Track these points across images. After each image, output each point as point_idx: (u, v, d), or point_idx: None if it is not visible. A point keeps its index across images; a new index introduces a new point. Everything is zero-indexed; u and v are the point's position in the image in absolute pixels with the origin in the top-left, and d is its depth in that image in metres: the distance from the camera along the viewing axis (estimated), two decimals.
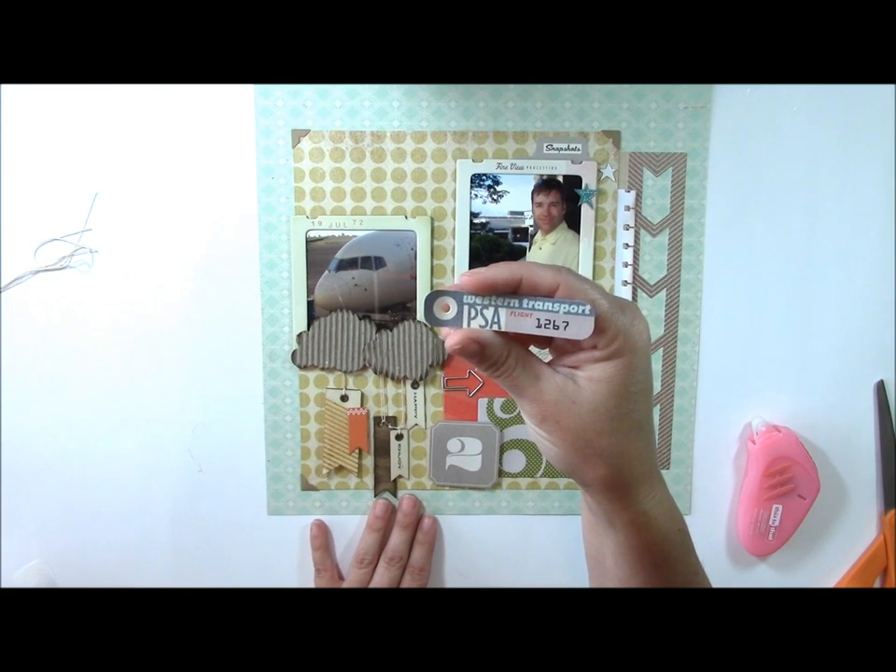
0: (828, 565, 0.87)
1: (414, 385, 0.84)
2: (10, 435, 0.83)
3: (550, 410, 0.50)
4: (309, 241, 0.80)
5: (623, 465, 0.51)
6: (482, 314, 0.52)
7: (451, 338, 0.50)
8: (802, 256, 0.83)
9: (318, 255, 0.81)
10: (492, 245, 0.81)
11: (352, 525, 0.86)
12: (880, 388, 0.85)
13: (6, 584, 0.83)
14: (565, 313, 0.50)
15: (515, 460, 0.86)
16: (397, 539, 0.84)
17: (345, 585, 0.82)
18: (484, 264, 0.78)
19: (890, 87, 0.81)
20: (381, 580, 0.82)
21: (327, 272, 0.81)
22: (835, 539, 0.86)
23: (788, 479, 0.83)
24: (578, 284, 0.50)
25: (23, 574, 0.83)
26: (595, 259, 0.82)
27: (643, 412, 0.52)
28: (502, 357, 0.51)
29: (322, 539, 0.85)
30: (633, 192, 0.81)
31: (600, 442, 0.50)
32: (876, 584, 0.88)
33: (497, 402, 0.84)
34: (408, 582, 0.83)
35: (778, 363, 0.84)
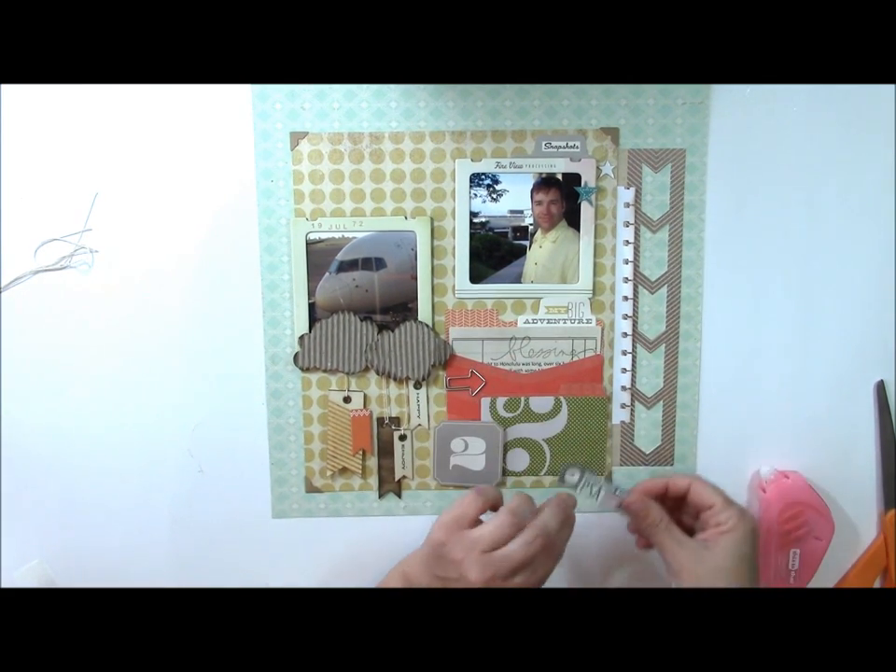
0: (828, 565, 0.86)
1: (417, 386, 0.84)
2: (10, 435, 0.83)
3: (684, 565, 0.74)
4: (309, 243, 0.80)
5: None
6: (591, 487, 0.80)
7: (633, 500, 0.78)
8: (802, 251, 0.83)
9: (319, 257, 0.81)
10: (492, 243, 0.81)
11: (355, 525, 0.86)
12: (880, 388, 0.85)
13: (6, 584, 0.83)
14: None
15: (519, 459, 0.86)
16: (550, 515, 0.74)
17: (481, 532, 0.71)
18: (485, 263, 0.79)
19: (890, 87, 0.80)
20: (517, 550, 0.70)
21: (327, 273, 0.81)
22: (835, 539, 0.85)
23: (802, 523, 0.83)
24: (702, 487, 0.78)
25: (23, 574, 0.83)
26: (595, 256, 0.82)
27: (746, 575, 0.73)
28: (658, 519, 0.76)
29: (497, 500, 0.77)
30: (632, 189, 0.81)
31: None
32: (876, 584, 0.88)
33: (500, 401, 0.84)
34: (539, 562, 0.72)
35: (779, 360, 0.84)
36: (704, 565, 0.73)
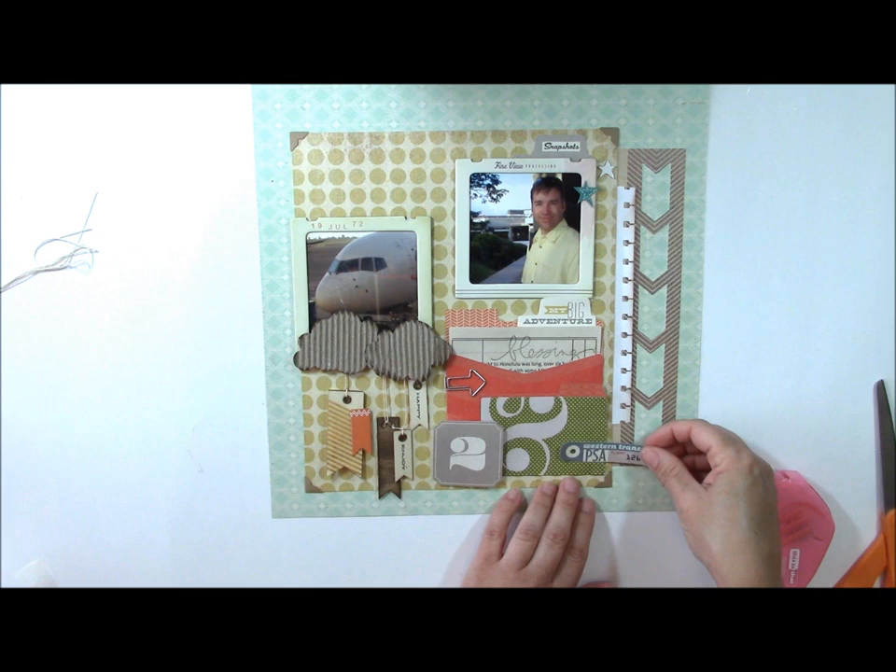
0: (828, 565, 0.86)
1: (417, 386, 0.84)
2: (10, 435, 0.83)
3: (684, 507, 0.77)
4: (309, 243, 0.80)
5: (725, 553, 0.74)
6: (594, 453, 0.85)
7: (645, 451, 0.83)
8: (802, 251, 0.83)
9: (319, 257, 0.81)
10: (492, 244, 0.81)
11: (355, 525, 0.86)
12: (880, 388, 0.85)
13: (6, 584, 0.83)
14: (637, 451, 0.85)
15: (519, 459, 0.86)
16: (560, 516, 0.83)
17: (507, 556, 0.82)
18: (485, 263, 0.79)
19: (890, 87, 0.80)
20: (544, 556, 0.81)
21: (327, 273, 0.81)
22: (835, 539, 0.85)
23: (802, 523, 0.84)
24: (700, 430, 0.79)
25: (23, 574, 0.83)
26: (595, 256, 0.82)
27: (744, 511, 0.74)
28: (669, 467, 0.80)
29: (513, 506, 0.85)
30: (632, 189, 0.81)
31: (708, 532, 0.75)
32: (876, 584, 0.88)
33: (500, 401, 0.84)
34: (568, 563, 0.83)
35: (779, 361, 0.84)
36: (699, 504, 0.76)
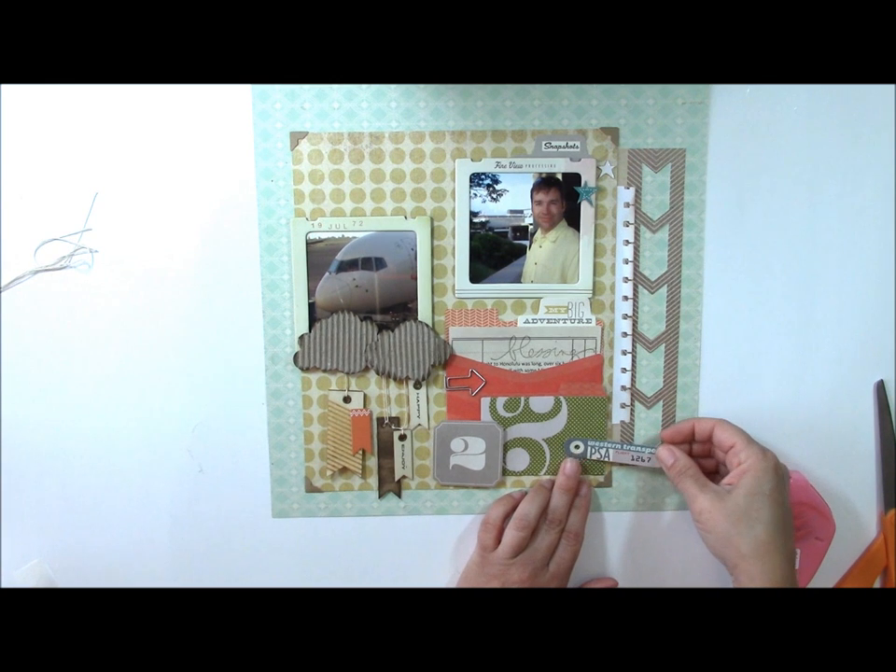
0: (828, 565, 0.86)
1: (417, 386, 0.84)
2: (10, 435, 0.83)
3: (703, 508, 0.76)
4: (309, 243, 0.80)
5: (756, 554, 0.74)
6: (598, 451, 0.85)
7: (661, 450, 0.82)
8: (802, 251, 0.83)
9: (319, 257, 0.81)
10: (492, 243, 0.81)
11: (355, 525, 0.86)
12: (880, 388, 0.85)
13: (6, 584, 0.83)
14: (648, 453, 0.84)
15: (519, 458, 0.86)
16: (558, 501, 0.83)
17: (501, 547, 0.82)
18: (485, 263, 0.79)
19: (890, 87, 0.80)
20: (541, 542, 0.82)
21: (327, 273, 0.81)
22: (835, 539, 0.85)
23: (803, 523, 0.84)
24: (724, 428, 0.80)
25: (23, 574, 0.83)
26: (595, 256, 0.82)
27: (770, 511, 0.74)
28: (684, 467, 0.79)
29: (514, 502, 0.84)
30: (632, 189, 0.81)
31: (736, 533, 0.74)
32: (876, 584, 0.88)
33: (500, 401, 0.84)
34: (563, 546, 0.82)
35: (779, 361, 0.84)
36: (722, 505, 0.75)
